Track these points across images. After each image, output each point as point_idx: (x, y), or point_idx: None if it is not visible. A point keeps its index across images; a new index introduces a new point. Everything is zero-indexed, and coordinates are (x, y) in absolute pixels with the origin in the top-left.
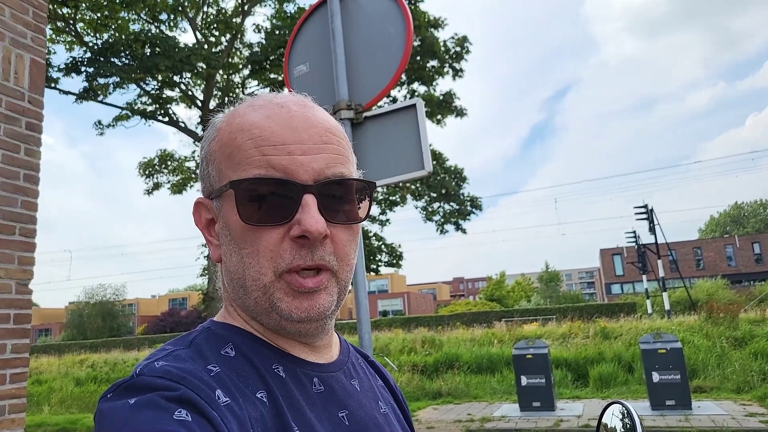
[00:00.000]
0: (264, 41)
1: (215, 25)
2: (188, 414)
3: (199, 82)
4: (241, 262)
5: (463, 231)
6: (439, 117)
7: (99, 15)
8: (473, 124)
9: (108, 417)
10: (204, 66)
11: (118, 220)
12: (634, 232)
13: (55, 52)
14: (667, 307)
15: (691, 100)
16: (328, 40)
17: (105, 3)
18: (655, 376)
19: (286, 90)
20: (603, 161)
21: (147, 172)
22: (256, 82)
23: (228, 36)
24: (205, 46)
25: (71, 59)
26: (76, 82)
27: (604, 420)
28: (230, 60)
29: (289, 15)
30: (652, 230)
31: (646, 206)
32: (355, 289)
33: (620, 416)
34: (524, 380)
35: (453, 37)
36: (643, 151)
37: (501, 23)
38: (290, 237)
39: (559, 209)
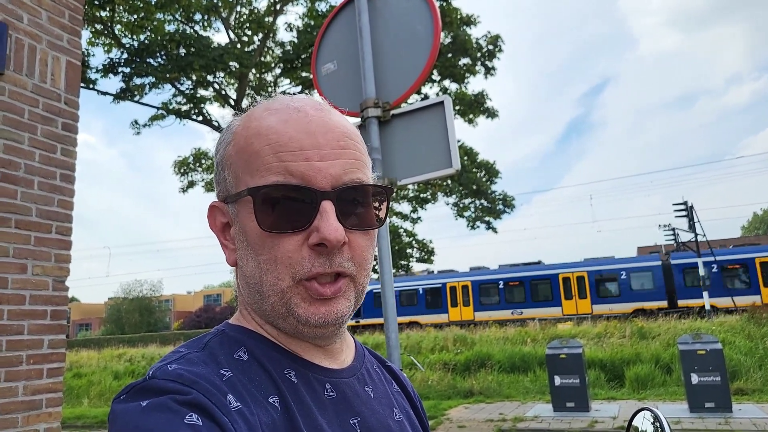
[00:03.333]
0: (296, 40)
1: (248, 25)
2: (199, 418)
3: (232, 81)
4: (258, 267)
5: (494, 230)
6: (470, 116)
7: (135, 17)
8: (508, 121)
9: (120, 419)
10: (237, 65)
11: (155, 217)
12: (673, 229)
13: (93, 55)
14: (707, 306)
15: (732, 95)
16: (356, 38)
17: (141, 5)
18: (694, 378)
19: (315, 93)
20: (641, 157)
21: (182, 171)
22: (288, 81)
23: (260, 35)
24: (238, 46)
25: (109, 60)
26: (113, 83)
27: (634, 423)
28: (263, 59)
29: (320, 13)
30: (691, 227)
31: (685, 203)
32: (382, 288)
33: (651, 420)
34: (558, 380)
35: (485, 36)
36: (682, 147)
37: (535, 18)
38: (309, 244)
39: (595, 206)
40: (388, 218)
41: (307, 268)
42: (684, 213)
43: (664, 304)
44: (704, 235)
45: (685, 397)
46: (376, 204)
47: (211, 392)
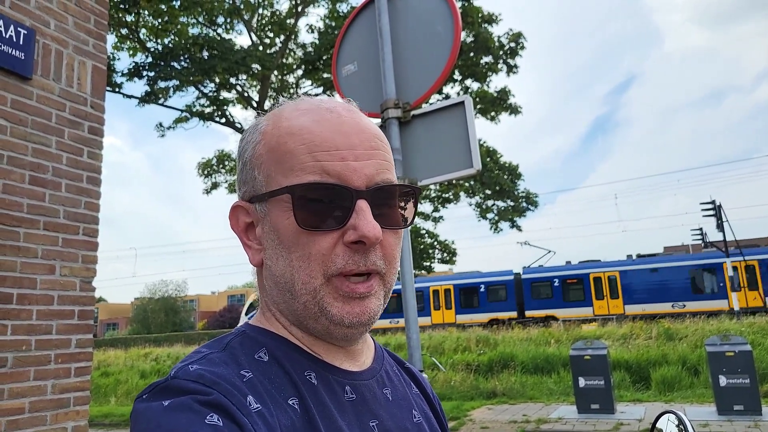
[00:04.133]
0: (317, 41)
1: (270, 27)
2: (219, 419)
3: (254, 83)
4: (290, 265)
5: (518, 228)
6: (492, 114)
7: (160, 21)
8: (532, 120)
9: (142, 417)
10: (259, 67)
11: (179, 219)
12: (701, 229)
13: (119, 59)
14: (736, 307)
15: (762, 92)
16: (376, 38)
17: (165, 9)
18: (723, 380)
19: (336, 94)
20: (667, 156)
21: (205, 172)
22: (309, 82)
23: (282, 37)
24: (260, 48)
25: (134, 64)
26: (138, 86)
27: (658, 426)
28: (284, 61)
29: (341, 14)
30: (719, 227)
31: (713, 202)
32: (402, 288)
33: (675, 423)
34: (582, 382)
35: (507, 33)
36: (710, 145)
37: (559, 16)
38: (344, 242)
39: (620, 205)
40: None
41: (341, 264)
42: (712, 212)
43: (514, 314)
44: (734, 235)
45: (713, 400)
46: (404, 204)
47: (231, 393)
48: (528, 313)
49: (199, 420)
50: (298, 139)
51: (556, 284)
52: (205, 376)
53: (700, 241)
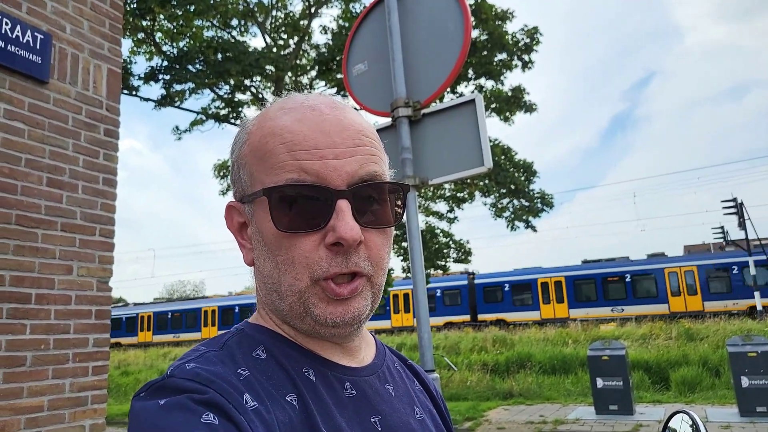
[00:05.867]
0: (330, 42)
1: (283, 28)
2: (216, 417)
3: (268, 84)
4: (276, 268)
5: (533, 229)
6: (507, 114)
7: (175, 24)
8: (550, 117)
9: (139, 416)
10: (273, 69)
11: (197, 220)
12: (722, 227)
13: (135, 62)
14: (759, 307)
15: None
16: (386, 38)
17: (180, 13)
18: (745, 381)
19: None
20: (688, 153)
21: (221, 174)
22: (323, 83)
23: (296, 38)
24: (274, 49)
25: (150, 68)
26: (155, 89)
27: (670, 425)
28: (298, 62)
29: (354, 15)
30: (741, 225)
31: (734, 200)
32: (414, 288)
33: (689, 423)
34: (600, 382)
35: (523, 29)
36: (733, 141)
37: (577, 11)
38: (325, 244)
39: (639, 203)
40: (417, 219)
41: (325, 268)
42: (733, 210)
43: (467, 317)
44: (756, 233)
45: (735, 401)
46: (392, 201)
47: (227, 391)
48: (480, 317)
49: (195, 419)
50: (278, 139)
51: (506, 289)
52: (201, 374)
53: (721, 240)
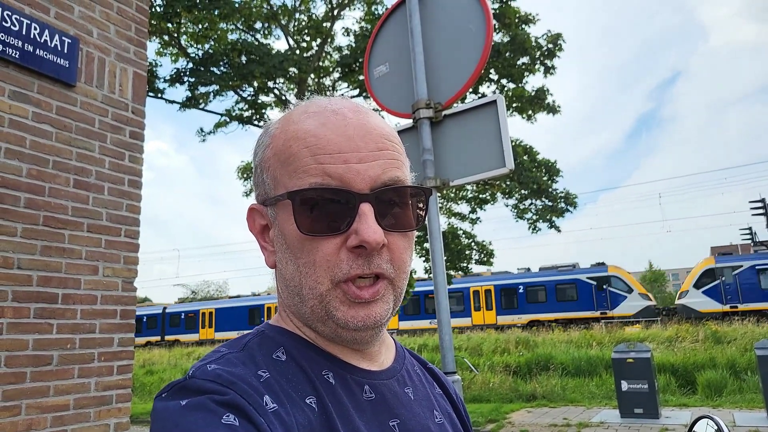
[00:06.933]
0: (353, 44)
1: (307, 31)
2: (236, 419)
3: (291, 86)
4: (298, 271)
5: (557, 229)
6: (529, 113)
7: (200, 27)
8: (575, 117)
9: (160, 416)
10: (296, 71)
11: (221, 220)
12: (750, 228)
13: (161, 65)
14: None
15: None
16: (407, 39)
17: (205, 15)
18: None
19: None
20: (716, 152)
21: (245, 176)
22: (346, 85)
23: (319, 40)
24: (297, 52)
25: (175, 70)
26: (180, 92)
27: (695, 430)
28: (321, 64)
29: (377, 17)
30: None
31: (763, 200)
32: (435, 289)
33: (714, 428)
34: (625, 385)
35: (546, 34)
36: (760, 141)
37: (602, 11)
38: (347, 247)
39: (665, 204)
40: (438, 221)
41: (346, 270)
42: (762, 211)
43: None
44: None
45: (763, 405)
46: (414, 205)
47: (248, 393)
48: (422, 323)
49: (216, 420)
50: (302, 143)
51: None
52: (222, 375)
53: (749, 241)
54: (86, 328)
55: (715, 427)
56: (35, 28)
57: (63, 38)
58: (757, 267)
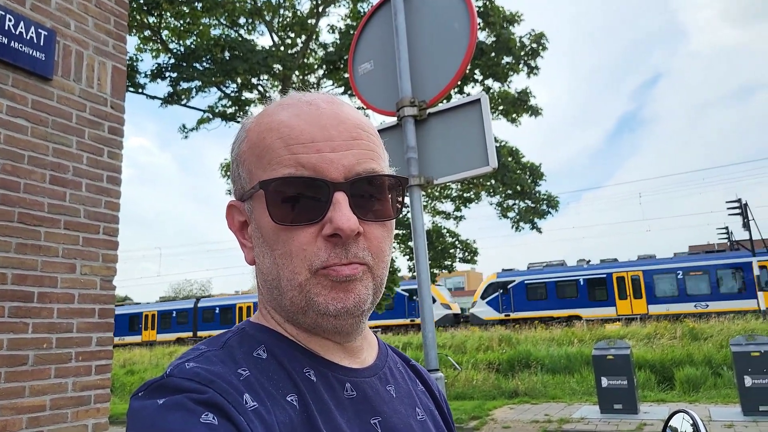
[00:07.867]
0: (338, 41)
1: (291, 27)
2: (215, 417)
3: (276, 83)
4: (274, 263)
5: (539, 230)
6: (514, 116)
7: (182, 22)
8: (558, 118)
9: (137, 416)
10: (280, 67)
11: (204, 218)
12: (727, 228)
13: (142, 60)
14: (763, 307)
15: None
16: (392, 37)
17: (187, 10)
18: (748, 380)
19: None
20: (696, 153)
21: (228, 174)
22: (330, 82)
23: (303, 37)
24: (281, 48)
25: (156, 65)
26: (161, 87)
27: (671, 424)
28: (305, 61)
29: (362, 14)
30: (746, 226)
31: (739, 200)
32: (419, 287)
33: (689, 422)
34: (605, 381)
35: (529, 34)
36: (740, 142)
37: (585, 13)
38: (323, 236)
39: (645, 204)
40: (422, 218)
41: (324, 258)
42: (738, 211)
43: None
44: (760, 233)
45: (738, 400)
46: (392, 195)
47: (227, 391)
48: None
49: (194, 419)
50: (275, 134)
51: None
52: (201, 374)
53: (726, 240)
54: (63, 328)
55: (691, 421)
56: (10, 20)
57: (39, 30)
58: (526, 282)
